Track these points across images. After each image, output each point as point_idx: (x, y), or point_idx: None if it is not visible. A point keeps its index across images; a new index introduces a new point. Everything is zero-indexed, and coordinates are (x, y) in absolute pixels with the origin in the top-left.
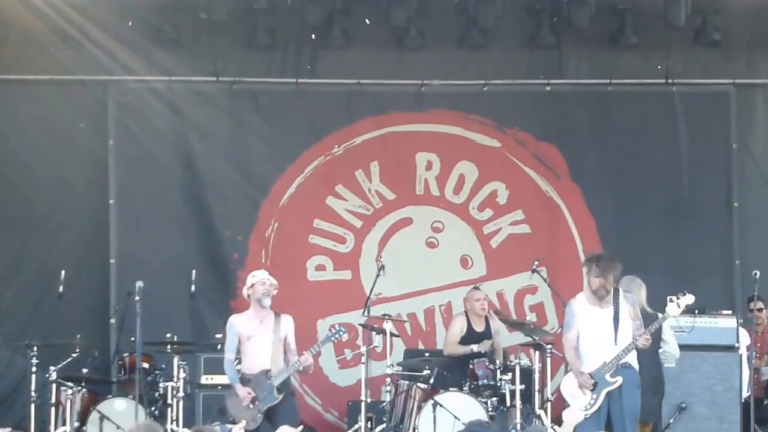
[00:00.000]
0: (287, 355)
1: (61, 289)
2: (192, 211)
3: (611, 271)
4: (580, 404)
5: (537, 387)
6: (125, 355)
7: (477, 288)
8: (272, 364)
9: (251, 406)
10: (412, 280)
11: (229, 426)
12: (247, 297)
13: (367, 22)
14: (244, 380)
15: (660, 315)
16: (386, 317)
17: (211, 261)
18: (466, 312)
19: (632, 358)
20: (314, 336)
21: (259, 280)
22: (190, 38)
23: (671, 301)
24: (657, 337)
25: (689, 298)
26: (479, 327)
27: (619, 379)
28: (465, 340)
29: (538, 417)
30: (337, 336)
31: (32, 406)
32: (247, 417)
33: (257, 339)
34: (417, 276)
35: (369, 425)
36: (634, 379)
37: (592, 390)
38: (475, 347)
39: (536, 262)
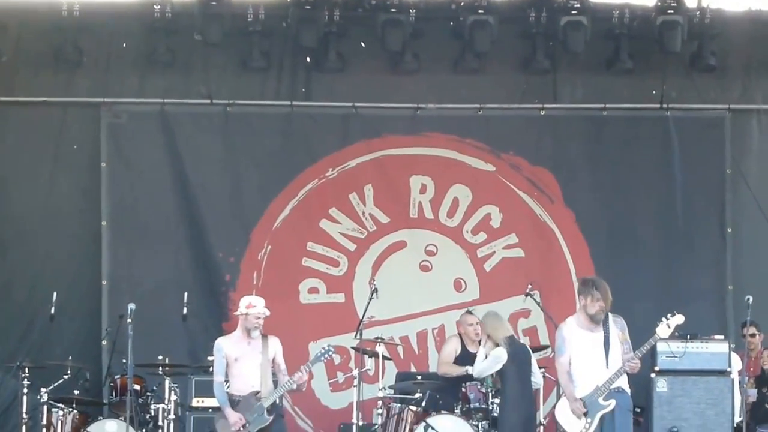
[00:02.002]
0: (278, 375)
1: (53, 310)
2: (184, 232)
3: (608, 295)
4: (573, 429)
5: None
6: (117, 376)
7: (470, 312)
8: (261, 386)
9: (241, 430)
10: (405, 303)
11: None
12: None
13: (363, 45)
14: (234, 402)
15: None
16: (379, 340)
17: (203, 283)
18: (459, 334)
19: (624, 382)
20: (305, 359)
21: (254, 314)
22: (184, 60)
23: (661, 322)
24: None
25: (679, 318)
26: (473, 348)
27: (612, 402)
28: (459, 361)
29: None
30: (327, 355)
31: (23, 428)
32: None
33: (245, 361)
34: (410, 299)
35: None
36: (627, 403)
37: (584, 415)
38: (469, 368)
39: (530, 286)
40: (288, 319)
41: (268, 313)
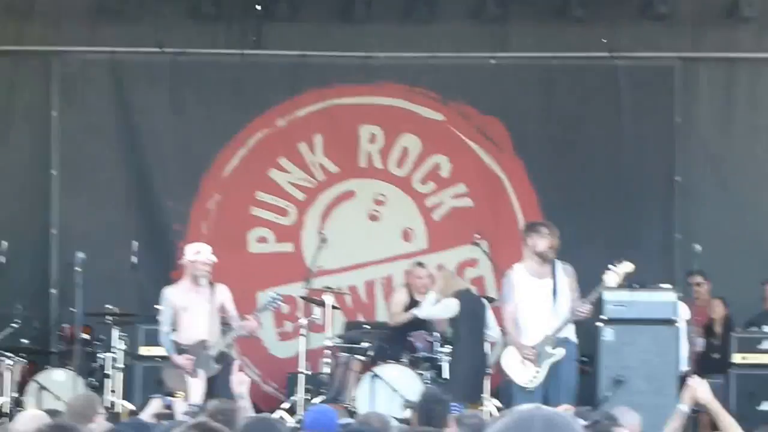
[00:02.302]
0: (229, 323)
1: (2, 259)
2: (134, 181)
3: (556, 233)
4: (521, 378)
5: None
6: (65, 325)
7: (420, 265)
8: (209, 335)
9: (190, 375)
10: (354, 252)
11: (168, 399)
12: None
13: None
14: (181, 351)
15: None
16: (327, 289)
17: (152, 232)
18: (407, 284)
19: (570, 332)
20: (253, 308)
21: (201, 260)
22: (134, 9)
23: (608, 270)
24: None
25: (627, 266)
26: (421, 299)
27: (560, 351)
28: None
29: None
30: (274, 304)
31: None
32: (185, 388)
33: (193, 310)
34: (358, 249)
35: (307, 397)
36: (573, 353)
37: (535, 362)
38: (415, 310)
39: (477, 235)
40: (236, 268)
41: (214, 259)
